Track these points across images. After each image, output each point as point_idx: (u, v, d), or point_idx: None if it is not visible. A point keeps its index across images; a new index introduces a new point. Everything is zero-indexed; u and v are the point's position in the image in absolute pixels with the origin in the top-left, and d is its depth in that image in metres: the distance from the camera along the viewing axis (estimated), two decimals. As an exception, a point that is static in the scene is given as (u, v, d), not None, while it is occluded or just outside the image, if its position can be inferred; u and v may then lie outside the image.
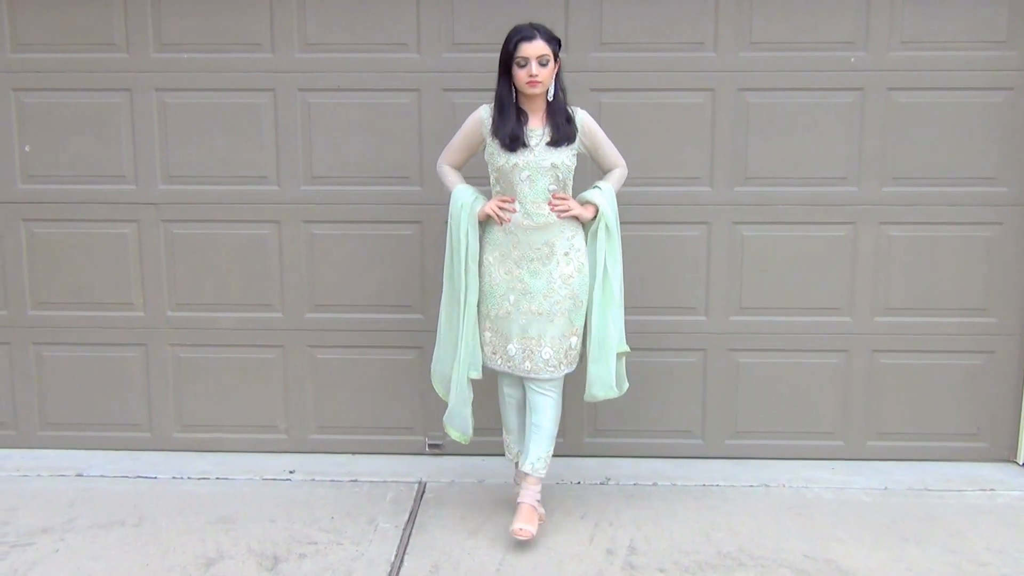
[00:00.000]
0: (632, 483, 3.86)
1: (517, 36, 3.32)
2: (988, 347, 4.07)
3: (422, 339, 4.13)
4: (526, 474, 3.47)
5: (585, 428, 4.17)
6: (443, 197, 4.01)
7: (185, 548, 3.38)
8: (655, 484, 3.91)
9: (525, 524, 3.35)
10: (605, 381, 3.44)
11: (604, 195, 3.47)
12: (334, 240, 4.10)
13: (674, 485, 3.91)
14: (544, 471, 3.48)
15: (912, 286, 4.05)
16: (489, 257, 3.47)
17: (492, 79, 3.91)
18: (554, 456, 3.95)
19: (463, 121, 3.94)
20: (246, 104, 4.02)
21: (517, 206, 3.41)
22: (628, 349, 3.53)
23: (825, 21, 3.90)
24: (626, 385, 3.57)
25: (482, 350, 3.51)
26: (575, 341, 3.45)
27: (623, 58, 3.93)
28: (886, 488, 3.89)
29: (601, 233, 3.44)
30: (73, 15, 3.99)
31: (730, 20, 3.90)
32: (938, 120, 3.94)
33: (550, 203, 3.38)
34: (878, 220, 4.00)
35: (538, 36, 3.29)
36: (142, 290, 4.15)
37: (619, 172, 3.56)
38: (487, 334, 3.49)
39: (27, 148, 4.08)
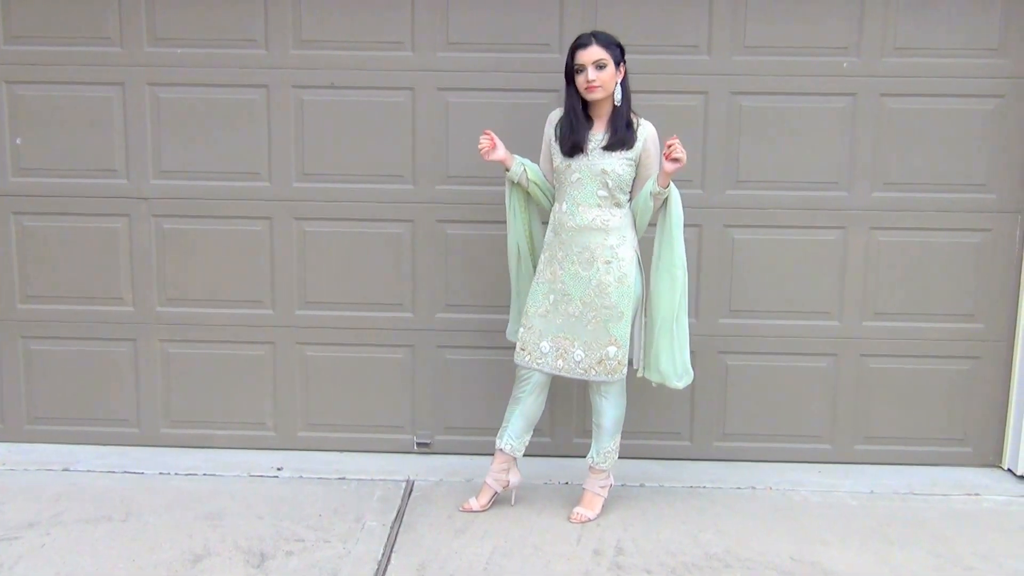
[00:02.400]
0: (620, 484, 3.86)
1: (574, 44, 3.40)
2: (975, 352, 4.09)
3: (412, 338, 4.14)
4: (590, 466, 3.65)
5: (574, 428, 4.17)
6: (434, 196, 4.05)
7: (172, 544, 3.37)
8: (643, 485, 3.92)
9: (581, 508, 3.63)
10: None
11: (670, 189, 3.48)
12: (325, 237, 4.09)
13: (662, 486, 3.92)
14: (606, 464, 3.64)
15: (901, 291, 4.07)
16: (542, 257, 3.56)
17: (486, 78, 3.99)
18: (542, 456, 4.03)
19: (457, 120, 3.99)
20: (239, 100, 4.02)
21: (564, 207, 3.47)
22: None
23: (819, 26, 3.91)
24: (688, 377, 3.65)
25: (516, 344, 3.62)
26: (614, 351, 3.46)
27: (617, 60, 3.94)
28: (872, 491, 3.91)
29: (664, 218, 3.50)
30: (66, 8, 3.97)
31: (724, 23, 3.92)
32: (929, 126, 3.96)
33: (668, 143, 3.35)
34: (868, 225, 4.02)
35: (594, 42, 3.36)
36: (132, 285, 4.14)
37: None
38: (521, 330, 3.56)
39: (19, 141, 4.06)
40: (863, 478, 4.02)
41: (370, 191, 4.06)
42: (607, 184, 3.42)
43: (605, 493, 3.67)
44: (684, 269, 3.51)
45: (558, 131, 3.50)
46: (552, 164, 3.53)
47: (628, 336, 3.48)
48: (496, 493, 3.66)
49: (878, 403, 4.13)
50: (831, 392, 4.13)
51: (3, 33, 4.00)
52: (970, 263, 4.04)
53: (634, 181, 3.50)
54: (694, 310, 4.08)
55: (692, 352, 4.06)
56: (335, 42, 3.98)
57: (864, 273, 4.05)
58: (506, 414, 3.64)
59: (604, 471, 3.65)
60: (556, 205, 3.54)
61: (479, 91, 3.98)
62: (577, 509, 3.62)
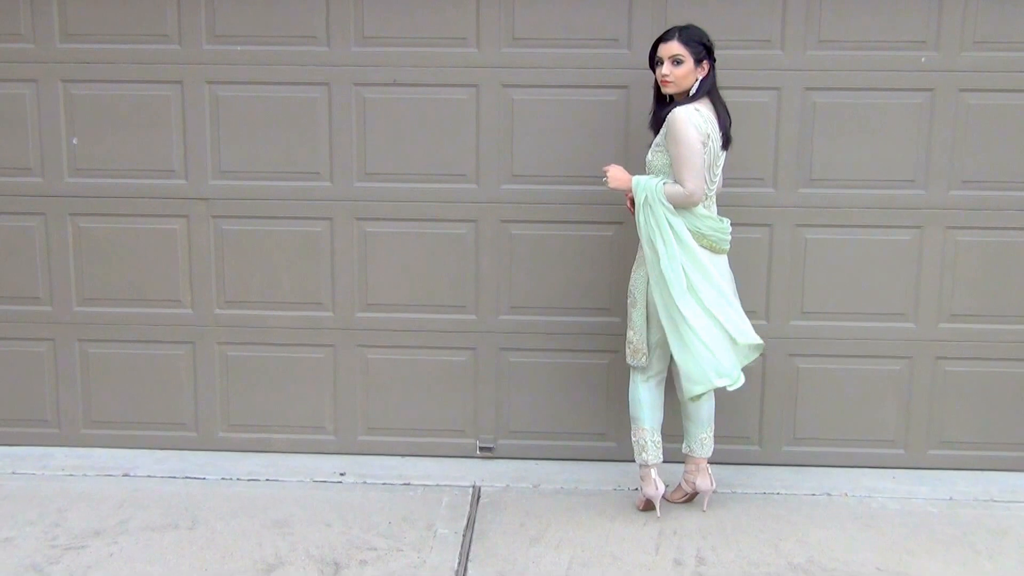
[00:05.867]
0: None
1: (659, 37, 3.41)
2: (1055, 355, 3.99)
3: (475, 340, 4.05)
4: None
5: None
6: (499, 195, 3.96)
7: (243, 552, 3.30)
8: (715, 491, 3.82)
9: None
10: (690, 374, 3.37)
11: (639, 178, 3.42)
12: (387, 238, 4.01)
13: (734, 492, 3.82)
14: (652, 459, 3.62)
15: (979, 292, 3.95)
16: None
17: (551, 75, 3.92)
18: (611, 462, 3.93)
19: (522, 117, 3.92)
20: (300, 98, 3.93)
21: None
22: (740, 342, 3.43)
23: (896, 20, 3.80)
24: (732, 380, 3.42)
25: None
26: (630, 335, 3.52)
27: (687, 55, 3.84)
28: (951, 498, 3.80)
29: (641, 211, 3.39)
30: (123, 5, 3.90)
31: (798, 18, 3.81)
32: (1010, 123, 3.84)
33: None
34: (945, 224, 3.90)
35: (675, 38, 3.36)
36: (190, 287, 4.07)
37: (677, 189, 3.35)
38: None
39: (75, 141, 3.99)
40: (940, 485, 3.91)
41: (433, 191, 3.97)
42: (647, 173, 3.47)
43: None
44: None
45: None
46: None
47: (643, 325, 3.46)
48: (686, 494, 3.72)
49: (954, 407, 4.02)
50: (905, 396, 4.02)
51: (59, 31, 3.93)
52: (1050, 263, 3.93)
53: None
54: (764, 311, 3.98)
55: (762, 354, 3.97)
56: (398, 38, 3.90)
57: (941, 274, 3.93)
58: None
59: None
60: None
61: (545, 88, 3.89)
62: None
